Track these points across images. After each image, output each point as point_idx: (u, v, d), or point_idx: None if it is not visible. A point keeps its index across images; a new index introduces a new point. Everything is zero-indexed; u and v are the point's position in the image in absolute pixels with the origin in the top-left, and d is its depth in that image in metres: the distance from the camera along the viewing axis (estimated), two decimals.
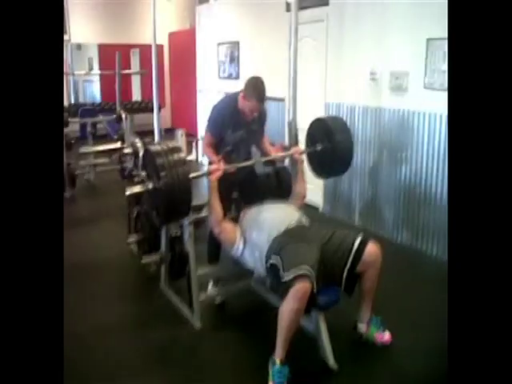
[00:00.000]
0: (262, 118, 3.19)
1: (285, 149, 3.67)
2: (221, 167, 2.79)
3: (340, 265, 2.56)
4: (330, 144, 3.20)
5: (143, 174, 2.65)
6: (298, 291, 2.26)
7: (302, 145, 3.59)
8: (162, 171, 2.41)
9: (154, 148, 2.54)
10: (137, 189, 2.65)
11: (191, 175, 2.54)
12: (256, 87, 2.91)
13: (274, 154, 3.18)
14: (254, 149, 3.35)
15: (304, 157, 3.29)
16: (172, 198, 2.43)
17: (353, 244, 2.58)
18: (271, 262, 2.52)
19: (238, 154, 3.18)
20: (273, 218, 2.78)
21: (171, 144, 2.61)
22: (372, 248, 2.60)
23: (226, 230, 2.82)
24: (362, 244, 2.58)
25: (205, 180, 3.47)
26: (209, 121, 3.15)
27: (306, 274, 2.29)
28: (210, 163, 3.06)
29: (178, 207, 2.53)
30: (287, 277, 2.31)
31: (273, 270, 2.51)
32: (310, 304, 2.35)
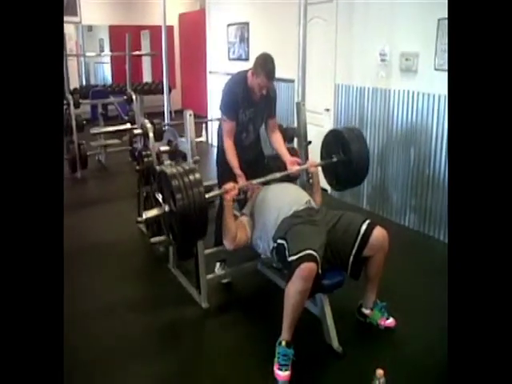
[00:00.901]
0: (271, 95, 3.13)
1: (293, 136, 3.65)
2: (236, 187, 2.71)
3: (346, 250, 2.56)
4: (346, 155, 3.15)
5: (159, 196, 2.60)
6: (304, 271, 2.27)
7: (310, 125, 3.57)
8: (177, 193, 2.33)
9: (170, 170, 2.44)
10: (153, 212, 2.59)
11: (207, 195, 2.46)
12: (265, 64, 2.87)
13: (290, 168, 3.05)
14: (262, 130, 3.34)
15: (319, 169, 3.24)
16: (188, 219, 2.37)
17: (360, 228, 2.57)
18: (278, 242, 2.55)
19: (247, 134, 3.17)
20: (281, 200, 2.76)
21: (187, 166, 2.55)
22: (379, 232, 2.59)
23: (240, 240, 2.77)
24: (369, 228, 2.58)
25: (213, 162, 3.49)
26: (222, 103, 3.08)
27: (312, 254, 2.31)
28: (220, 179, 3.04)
29: (194, 230, 2.47)
30: (293, 257, 2.34)
31: (279, 251, 2.53)
32: (315, 287, 2.37)
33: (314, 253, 2.33)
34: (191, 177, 2.40)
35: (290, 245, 2.44)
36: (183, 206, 2.32)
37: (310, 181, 3.16)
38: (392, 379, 2.09)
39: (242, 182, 2.88)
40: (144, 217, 2.57)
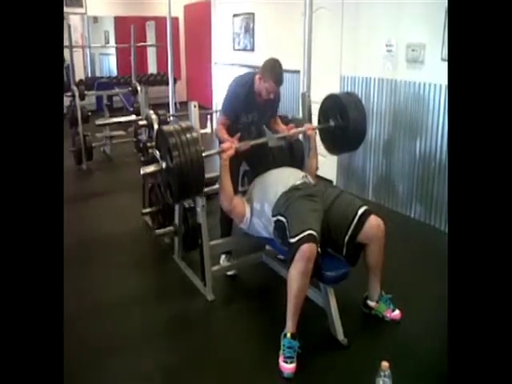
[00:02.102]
0: (275, 100, 3.16)
1: (297, 126, 3.66)
2: (233, 145, 2.79)
3: (341, 231, 2.57)
4: (343, 120, 3.18)
5: (157, 153, 2.65)
6: (305, 252, 2.30)
7: (315, 117, 3.56)
8: (174, 151, 2.40)
9: (167, 128, 2.52)
10: (151, 168, 2.64)
11: (204, 154, 2.53)
12: (273, 69, 2.88)
13: (287, 131, 3.16)
14: (265, 128, 3.34)
15: (316, 133, 3.28)
16: (185, 177, 2.43)
17: (356, 213, 2.58)
18: (278, 219, 2.59)
19: (250, 134, 3.16)
20: (278, 178, 2.83)
21: (184, 124, 2.59)
22: (374, 221, 2.59)
23: (236, 207, 2.86)
24: (365, 215, 2.58)
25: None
26: (224, 102, 3.12)
27: (311, 234, 2.34)
28: (221, 142, 3.06)
29: (191, 186, 2.53)
30: (293, 239, 2.36)
31: (279, 227, 2.57)
32: (316, 267, 2.38)
33: (314, 232, 2.36)
34: (188, 135, 2.44)
35: (290, 225, 2.46)
36: (180, 163, 2.35)
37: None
38: (397, 371, 2.09)
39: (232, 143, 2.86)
40: (142, 172, 2.62)
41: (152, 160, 3.74)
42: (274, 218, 2.64)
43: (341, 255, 2.61)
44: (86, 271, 3.43)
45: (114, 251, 3.78)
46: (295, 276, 2.35)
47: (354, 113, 3.16)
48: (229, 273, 3.30)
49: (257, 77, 2.95)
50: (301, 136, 3.55)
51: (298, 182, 2.76)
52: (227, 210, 2.91)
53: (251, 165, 3.28)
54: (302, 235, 2.34)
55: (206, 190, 2.97)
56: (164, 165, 2.53)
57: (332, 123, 3.24)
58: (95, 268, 3.50)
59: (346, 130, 3.17)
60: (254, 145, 2.96)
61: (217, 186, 2.97)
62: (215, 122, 7.32)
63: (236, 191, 3.00)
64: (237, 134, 2.89)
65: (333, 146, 3.41)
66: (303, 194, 2.65)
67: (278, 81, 2.91)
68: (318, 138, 3.31)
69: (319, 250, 2.38)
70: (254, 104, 3.04)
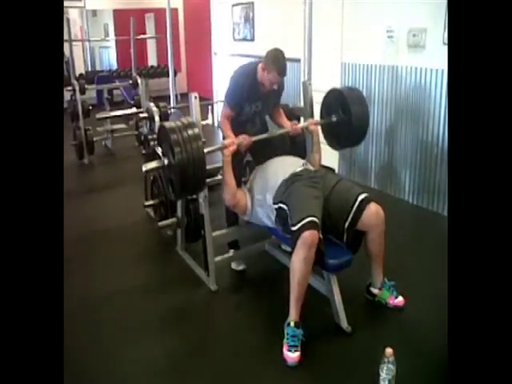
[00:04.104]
0: (279, 90, 3.11)
1: (299, 115, 3.65)
2: (235, 141, 2.79)
3: (341, 218, 2.57)
4: (345, 115, 3.17)
5: (159, 149, 2.64)
6: (307, 239, 2.31)
7: (316, 105, 3.53)
8: (176, 147, 2.39)
9: (169, 124, 2.50)
10: (153, 165, 2.63)
11: (206, 150, 2.51)
12: (277, 60, 2.84)
13: (289, 126, 3.12)
14: (267, 120, 3.31)
15: (319, 128, 3.26)
16: (186, 173, 2.42)
17: (355, 200, 2.56)
18: (279, 206, 2.59)
19: (254, 125, 3.15)
20: (279, 166, 2.83)
21: (186, 120, 2.58)
22: (373, 209, 2.57)
23: (240, 201, 2.87)
24: (364, 202, 2.56)
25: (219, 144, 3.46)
26: (227, 93, 3.07)
27: (313, 221, 2.34)
28: (224, 138, 3.04)
29: (193, 183, 2.53)
30: (294, 227, 2.36)
31: (281, 215, 2.58)
32: (318, 254, 2.39)
33: (315, 219, 2.36)
34: (190, 131, 2.44)
35: (291, 212, 2.47)
36: (181, 159, 2.36)
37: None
38: (401, 358, 2.09)
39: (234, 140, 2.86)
40: (144, 169, 2.61)
41: (153, 153, 3.74)
42: (276, 206, 2.63)
43: (341, 242, 2.60)
44: (89, 264, 3.44)
45: (116, 244, 3.79)
46: (298, 263, 2.35)
47: (357, 108, 3.15)
48: (238, 268, 3.29)
49: (260, 67, 2.90)
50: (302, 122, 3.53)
51: (299, 170, 2.75)
52: (230, 205, 2.92)
53: (253, 154, 3.26)
54: (303, 222, 2.34)
55: (208, 180, 2.96)
56: (166, 161, 2.52)
57: (334, 118, 3.23)
58: (97, 260, 3.51)
59: (348, 125, 3.17)
60: (255, 140, 2.94)
61: (219, 177, 2.95)
62: (217, 114, 7.32)
63: (239, 184, 2.99)
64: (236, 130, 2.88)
65: (335, 142, 3.41)
66: (304, 181, 2.64)
67: (282, 72, 2.87)
68: (320, 132, 3.29)
69: (321, 236, 2.37)
70: (258, 94, 3.00)
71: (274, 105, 3.22)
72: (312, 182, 2.66)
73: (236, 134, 2.92)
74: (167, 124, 2.53)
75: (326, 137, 3.41)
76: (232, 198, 2.85)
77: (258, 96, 3.01)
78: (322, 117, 3.36)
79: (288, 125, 3.15)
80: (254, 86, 2.96)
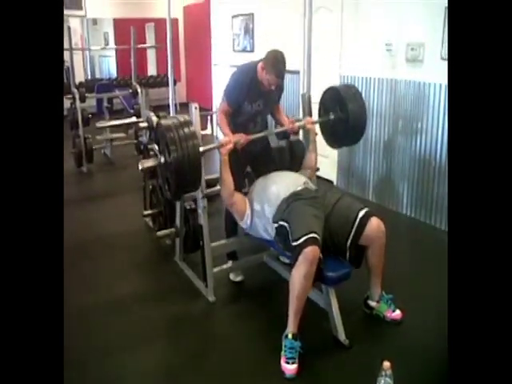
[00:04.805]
0: (278, 90, 3.14)
1: (298, 120, 3.66)
2: (232, 140, 2.79)
3: (343, 236, 2.57)
4: (343, 113, 3.17)
5: (156, 147, 2.66)
6: (308, 254, 2.30)
7: (316, 116, 3.56)
8: (172, 145, 2.41)
9: (165, 122, 2.52)
10: (149, 163, 2.66)
11: (201, 148, 2.53)
12: (276, 63, 2.85)
13: (287, 125, 3.16)
14: (269, 117, 3.33)
15: (316, 127, 3.28)
16: (182, 171, 2.44)
17: (356, 216, 2.57)
18: (280, 224, 2.58)
19: (255, 124, 3.15)
20: (280, 183, 2.81)
21: (182, 118, 2.60)
22: (375, 223, 2.58)
23: (237, 202, 2.84)
24: (366, 217, 2.57)
25: (218, 154, 3.48)
26: (226, 89, 3.06)
27: (314, 237, 2.34)
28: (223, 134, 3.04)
29: (188, 181, 2.54)
30: (296, 242, 2.36)
31: (281, 232, 2.57)
32: (318, 270, 2.39)
33: (316, 235, 2.36)
34: (186, 129, 2.45)
35: (292, 228, 2.46)
36: (177, 158, 2.36)
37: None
38: (399, 371, 2.08)
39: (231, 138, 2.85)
40: (140, 167, 2.62)
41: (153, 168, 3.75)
42: (276, 225, 2.62)
43: (344, 259, 2.61)
44: (87, 272, 3.44)
45: (114, 252, 3.79)
46: (298, 279, 2.35)
47: (354, 105, 3.16)
48: (236, 279, 3.29)
49: (259, 66, 2.92)
50: (301, 136, 3.56)
51: (299, 188, 2.74)
52: (228, 204, 2.90)
53: (253, 167, 3.27)
54: (305, 238, 2.34)
55: (207, 191, 2.97)
56: (162, 159, 2.54)
57: (332, 116, 3.23)
58: (96, 269, 3.50)
59: (345, 123, 3.17)
60: (254, 140, 2.94)
61: (218, 187, 2.95)
62: (215, 123, 7.35)
63: (238, 189, 2.98)
64: (234, 127, 2.90)
65: (333, 140, 3.41)
66: (304, 200, 2.63)
67: (280, 75, 2.88)
68: (318, 131, 3.31)
69: (321, 255, 2.37)
70: (259, 92, 3.00)
71: (275, 103, 3.24)
72: (312, 201, 2.65)
73: (236, 133, 2.93)
74: (164, 122, 2.53)
75: (324, 135, 3.42)
76: (229, 196, 2.83)
77: (259, 95, 3.02)
78: (320, 115, 3.37)
79: (286, 122, 3.16)
80: (254, 85, 2.97)
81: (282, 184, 2.78)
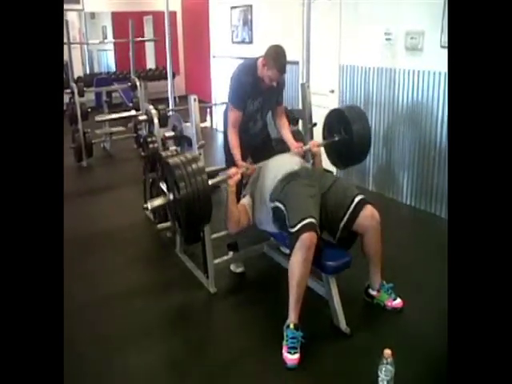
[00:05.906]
0: (279, 86, 3.11)
1: (297, 117, 3.65)
2: (239, 171, 2.74)
3: (337, 218, 2.59)
4: (347, 134, 3.20)
5: (164, 185, 2.60)
6: (305, 241, 2.32)
7: (315, 108, 3.55)
8: (181, 182, 2.36)
9: (173, 160, 2.45)
10: (159, 201, 2.59)
11: (210, 182, 2.48)
12: (277, 58, 2.83)
13: (294, 149, 3.07)
14: (269, 115, 3.31)
15: (321, 149, 3.25)
16: (192, 207, 2.39)
17: (352, 201, 2.58)
18: (276, 205, 2.60)
19: (255, 123, 3.15)
20: (275, 165, 2.81)
21: (190, 155, 2.55)
22: (369, 211, 2.58)
23: (243, 225, 2.80)
24: (360, 204, 2.57)
25: (219, 147, 3.47)
26: (231, 94, 3.03)
27: (311, 223, 2.36)
28: (228, 164, 3.05)
29: (199, 216, 2.50)
30: (293, 229, 2.37)
31: (278, 215, 2.59)
32: (317, 255, 2.40)
33: (313, 220, 2.38)
34: (194, 165, 2.42)
35: (288, 213, 2.47)
36: (187, 194, 2.35)
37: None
38: (399, 359, 2.09)
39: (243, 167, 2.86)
40: (149, 207, 2.58)
41: (153, 157, 3.74)
42: (272, 204, 2.63)
43: (333, 239, 2.63)
44: (88, 266, 3.44)
45: (115, 246, 3.79)
46: (296, 264, 2.36)
47: (358, 126, 3.19)
48: (237, 270, 3.29)
49: (260, 62, 2.90)
50: (300, 126, 3.56)
51: (296, 168, 2.74)
52: (234, 232, 2.87)
53: (255, 158, 3.26)
54: (301, 224, 2.35)
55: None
56: (171, 196, 2.51)
57: (336, 138, 3.27)
58: (96, 262, 3.50)
59: (350, 144, 3.20)
60: (253, 135, 2.93)
61: (217, 179, 2.93)
62: (215, 116, 7.34)
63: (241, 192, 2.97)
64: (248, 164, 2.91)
65: (339, 161, 3.46)
66: (300, 180, 2.65)
67: (282, 69, 2.87)
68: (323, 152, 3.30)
69: (319, 232, 2.39)
70: (259, 89, 2.99)
71: (277, 102, 3.21)
72: (309, 180, 2.67)
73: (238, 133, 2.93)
74: (171, 160, 2.49)
75: (329, 156, 3.45)
76: (236, 227, 2.79)
77: (259, 92, 3.00)
78: (324, 137, 3.38)
79: (293, 146, 3.09)
80: (255, 83, 2.96)
81: (278, 166, 2.79)
